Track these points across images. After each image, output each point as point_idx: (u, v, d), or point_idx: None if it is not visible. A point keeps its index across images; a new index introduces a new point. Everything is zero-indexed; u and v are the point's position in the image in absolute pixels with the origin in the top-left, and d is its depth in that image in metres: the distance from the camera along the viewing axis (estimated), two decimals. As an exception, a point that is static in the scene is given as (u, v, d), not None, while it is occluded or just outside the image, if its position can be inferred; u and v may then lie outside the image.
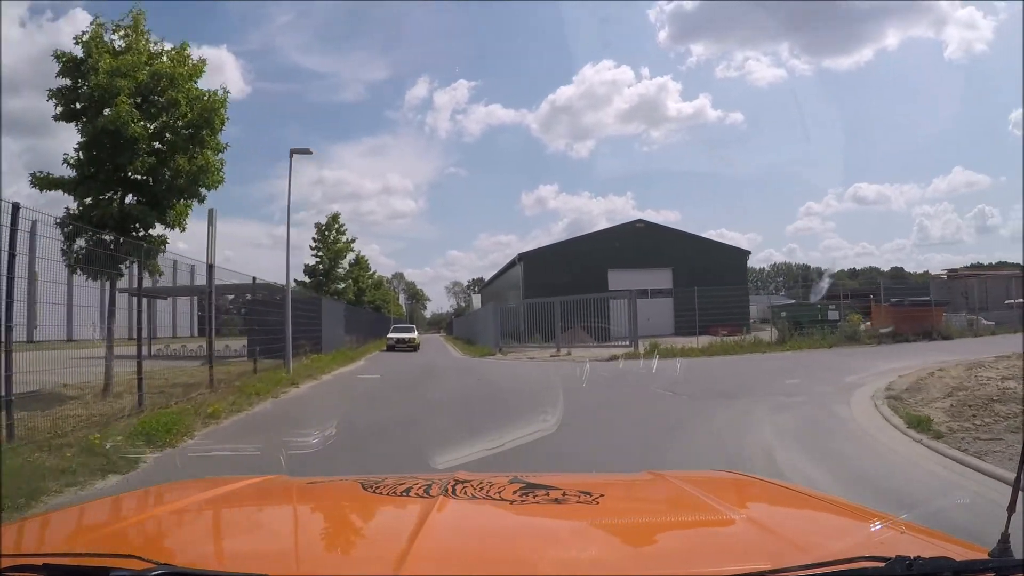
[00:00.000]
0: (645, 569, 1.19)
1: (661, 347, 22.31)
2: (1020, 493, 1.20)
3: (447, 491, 1.66)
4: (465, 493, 1.68)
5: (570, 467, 5.61)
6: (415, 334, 34.59)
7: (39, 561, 1.08)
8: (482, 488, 1.73)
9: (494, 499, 1.66)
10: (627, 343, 24.01)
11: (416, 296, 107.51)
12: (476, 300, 77.41)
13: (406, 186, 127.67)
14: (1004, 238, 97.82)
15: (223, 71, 74.81)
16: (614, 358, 20.58)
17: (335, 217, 38.55)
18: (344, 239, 38.30)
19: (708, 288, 26.98)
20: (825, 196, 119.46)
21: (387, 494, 1.76)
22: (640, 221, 43.94)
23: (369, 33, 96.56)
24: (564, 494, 1.70)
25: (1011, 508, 1.24)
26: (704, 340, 23.55)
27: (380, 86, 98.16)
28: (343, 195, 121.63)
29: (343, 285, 39.55)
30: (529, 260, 42.37)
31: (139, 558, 1.05)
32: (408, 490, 1.73)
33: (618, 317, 25.19)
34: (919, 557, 1.03)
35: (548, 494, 1.70)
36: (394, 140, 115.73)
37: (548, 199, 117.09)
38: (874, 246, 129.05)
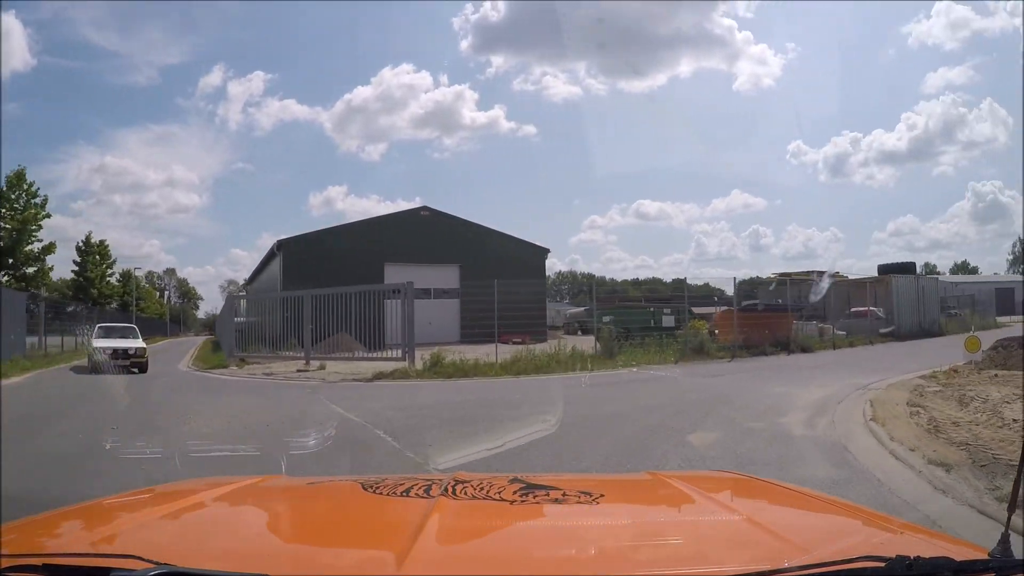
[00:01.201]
0: (645, 569, 1.22)
1: (447, 361, 16.85)
2: (1020, 493, 1.21)
3: (447, 491, 1.67)
4: (465, 493, 1.68)
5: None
6: (140, 342, 20.84)
7: (39, 561, 1.11)
8: (482, 488, 1.73)
9: (494, 499, 1.66)
10: (401, 354, 17.70)
11: (188, 295, 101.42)
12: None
13: (191, 179, 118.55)
14: (775, 256, 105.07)
15: (10, 39, 65.91)
16: (379, 376, 16.06)
17: (20, 175, 30.84)
18: (37, 204, 30.91)
19: (508, 283, 21.56)
20: (609, 211, 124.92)
21: (387, 494, 1.77)
22: (425, 208, 37.32)
23: (166, 13, 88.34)
24: (564, 494, 1.72)
25: (1011, 508, 1.27)
26: (504, 351, 18.47)
27: (173, 71, 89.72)
28: (125, 185, 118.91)
29: (34, 268, 31.77)
30: (290, 249, 33.86)
31: (139, 558, 1.07)
32: (408, 490, 1.74)
33: (394, 319, 19.29)
34: (919, 557, 1.05)
35: (548, 494, 1.71)
36: (183, 130, 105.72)
37: (336, 200, 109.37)
38: (653, 259, 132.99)
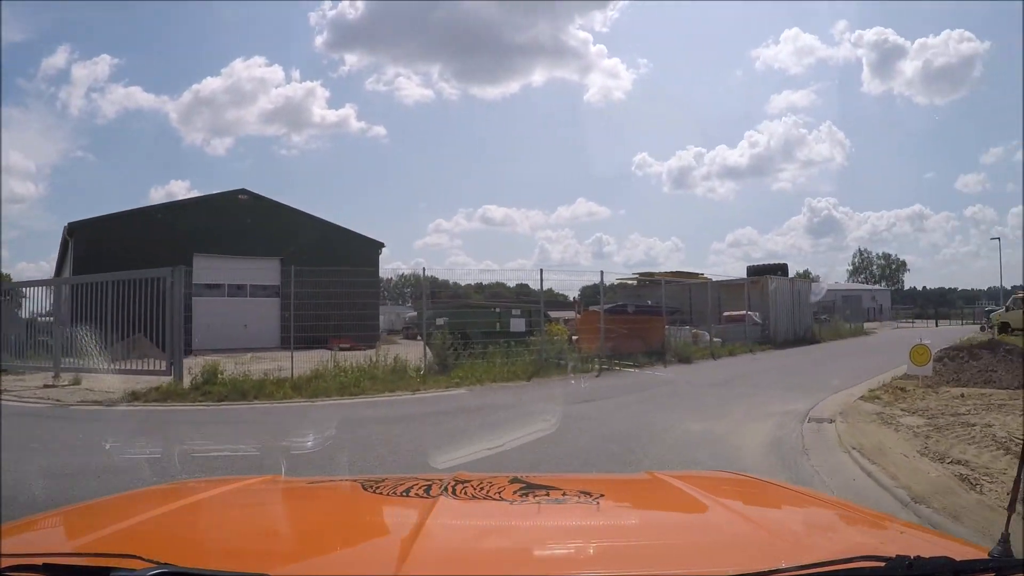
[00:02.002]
0: (645, 569, 1.21)
1: (228, 376, 12.71)
2: (1020, 493, 1.22)
3: (447, 491, 1.67)
4: (465, 493, 1.69)
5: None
6: None
7: (39, 561, 1.10)
8: (482, 488, 1.75)
9: (494, 499, 1.68)
10: (166, 366, 13.13)
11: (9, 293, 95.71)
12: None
13: (28, 167, 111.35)
14: (617, 263, 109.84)
15: None
16: (132, 398, 11.63)
17: None
18: None
19: (336, 277, 17.40)
20: (456, 215, 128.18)
21: (387, 494, 1.79)
22: (244, 192, 32.03)
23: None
24: (564, 494, 1.73)
25: (1011, 508, 1.27)
26: (305, 363, 13.63)
27: (15, 50, 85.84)
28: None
29: None
30: (83, 235, 27.67)
31: (139, 558, 1.07)
32: (408, 490, 1.75)
33: (209, 316, 16.85)
34: (919, 557, 1.04)
35: (548, 494, 1.72)
36: (22, 113, 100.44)
37: (178, 195, 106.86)
38: (497, 264, 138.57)
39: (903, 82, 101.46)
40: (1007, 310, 31.60)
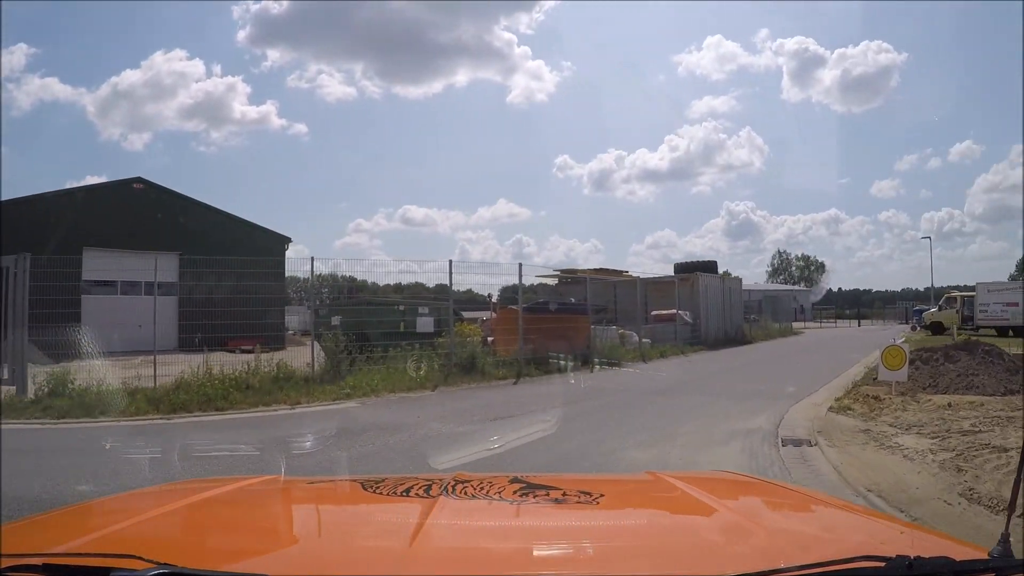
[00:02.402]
0: (645, 569, 1.21)
1: (77, 386, 10.66)
2: (1020, 493, 1.21)
3: (447, 491, 1.67)
4: (465, 493, 1.69)
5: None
6: None
7: (39, 561, 1.10)
8: (482, 488, 1.74)
9: (494, 499, 1.68)
10: (8, 375, 11.47)
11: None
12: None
13: None
14: (537, 264, 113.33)
15: None
16: None
17: None
18: None
19: (228, 260, 15.72)
20: (375, 215, 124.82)
21: (387, 494, 1.78)
22: (139, 181, 29.39)
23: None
24: (564, 494, 1.73)
25: (1011, 508, 1.28)
26: (171, 372, 11.64)
27: None
28: None
29: None
30: None
31: (139, 558, 1.06)
32: (408, 490, 1.75)
33: (92, 318, 14.07)
34: (919, 557, 1.04)
35: (548, 494, 1.72)
36: None
37: None
38: (417, 265, 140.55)
39: (821, 90, 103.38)
40: (940, 309, 31.73)
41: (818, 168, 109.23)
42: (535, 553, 1.33)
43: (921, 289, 62.12)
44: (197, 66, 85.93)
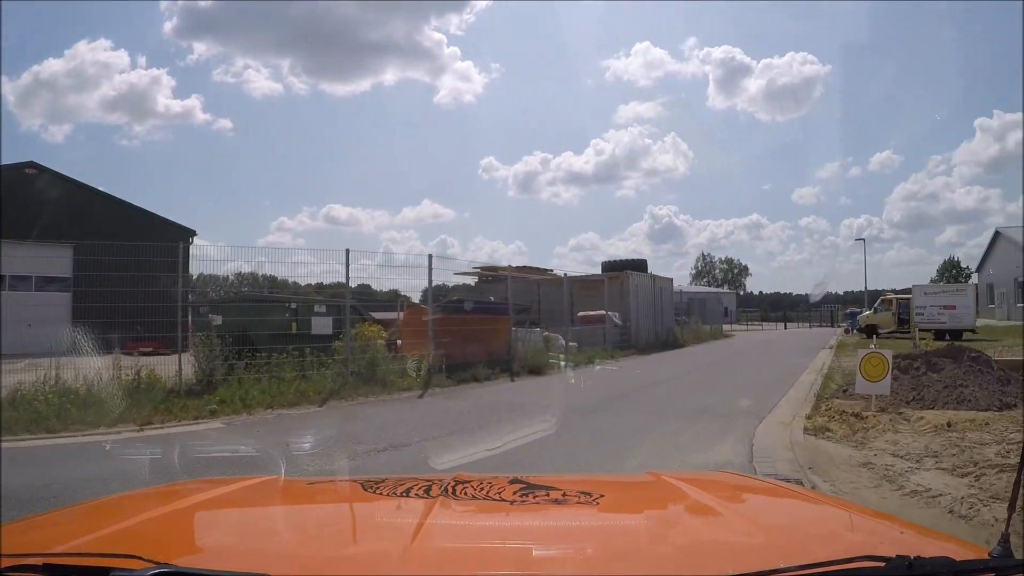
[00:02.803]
0: (645, 569, 1.19)
1: None
2: (1020, 493, 1.19)
3: (447, 491, 1.66)
4: (465, 493, 1.67)
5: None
6: None
7: (39, 561, 1.08)
8: (482, 488, 1.72)
9: (494, 499, 1.65)
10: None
11: None
12: None
13: None
14: (461, 264, 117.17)
15: None
16: None
17: None
18: None
19: (125, 245, 13.25)
20: (299, 213, 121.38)
21: (387, 494, 1.76)
22: (32, 165, 26.71)
23: None
24: (564, 494, 1.70)
25: (1011, 508, 1.25)
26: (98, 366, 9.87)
27: None
28: None
29: None
30: None
31: (139, 558, 1.05)
32: (408, 490, 1.72)
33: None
34: (919, 557, 1.02)
35: (548, 494, 1.70)
36: None
37: None
38: (341, 265, 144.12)
39: (747, 99, 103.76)
40: (875, 312, 30.78)
41: (741, 174, 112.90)
42: (535, 553, 1.31)
43: (841, 292, 63.52)
44: (122, 57, 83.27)
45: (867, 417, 7.91)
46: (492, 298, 18.84)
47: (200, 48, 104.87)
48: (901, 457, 6.20)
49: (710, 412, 9.30)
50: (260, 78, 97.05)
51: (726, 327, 41.28)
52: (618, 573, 1.17)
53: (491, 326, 15.40)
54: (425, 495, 1.65)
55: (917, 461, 6.03)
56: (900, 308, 29.48)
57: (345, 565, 1.22)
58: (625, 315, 23.35)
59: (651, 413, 9.60)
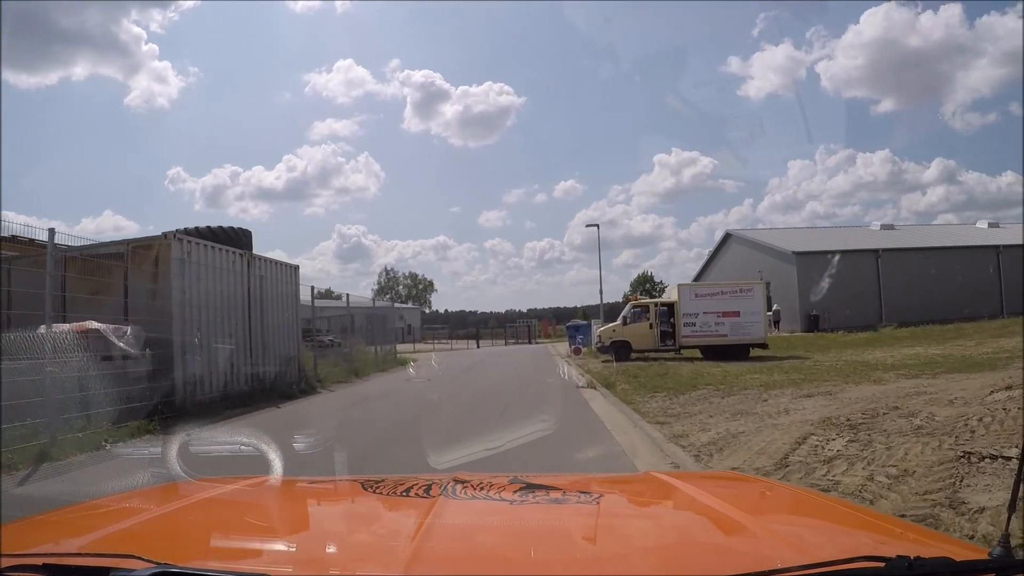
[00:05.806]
0: (645, 569, 1.20)
1: None
2: (1020, 493, 1.21)
3: (447, 491, 1.66)
4: (465, 493, 1.69)
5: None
6: None
7: (39, 561, 1.08)
8: (482, 488, 1.74)
9: (494, 499, 1.67)
10: None
11: None
12: None
13: None
14: None
15: None
16: None
17: None
18: None
19: None
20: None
21: (387, 494, 1.77)
22: None
23: None
24: (564, 494, 1.71)
25: (1011, 508, 1.26)
26: None
27: None
28: None
29: None
30: None
31: (139, 558, 1.05)
32: (408, 490, 1.73)
33: None
34: (919, 557, 1.03)
35: (548, 494, 1.70)
36: None
37: None
38: None
39: (442, 123, 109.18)
40: (624, 323, 22.19)
41: (431, 196, 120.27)
42: (535, 553, 1.31)
43: (524, 310, 66.35)
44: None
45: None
46: None
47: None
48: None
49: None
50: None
51: (408, 347, 35.36)
52: (618, 573, 1.18)
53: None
54: (425, 495, 1.66)
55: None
56: (662, 318, 21.74)
57: (345, 565, 1.22)
58: (163, 329, 11.04)
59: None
